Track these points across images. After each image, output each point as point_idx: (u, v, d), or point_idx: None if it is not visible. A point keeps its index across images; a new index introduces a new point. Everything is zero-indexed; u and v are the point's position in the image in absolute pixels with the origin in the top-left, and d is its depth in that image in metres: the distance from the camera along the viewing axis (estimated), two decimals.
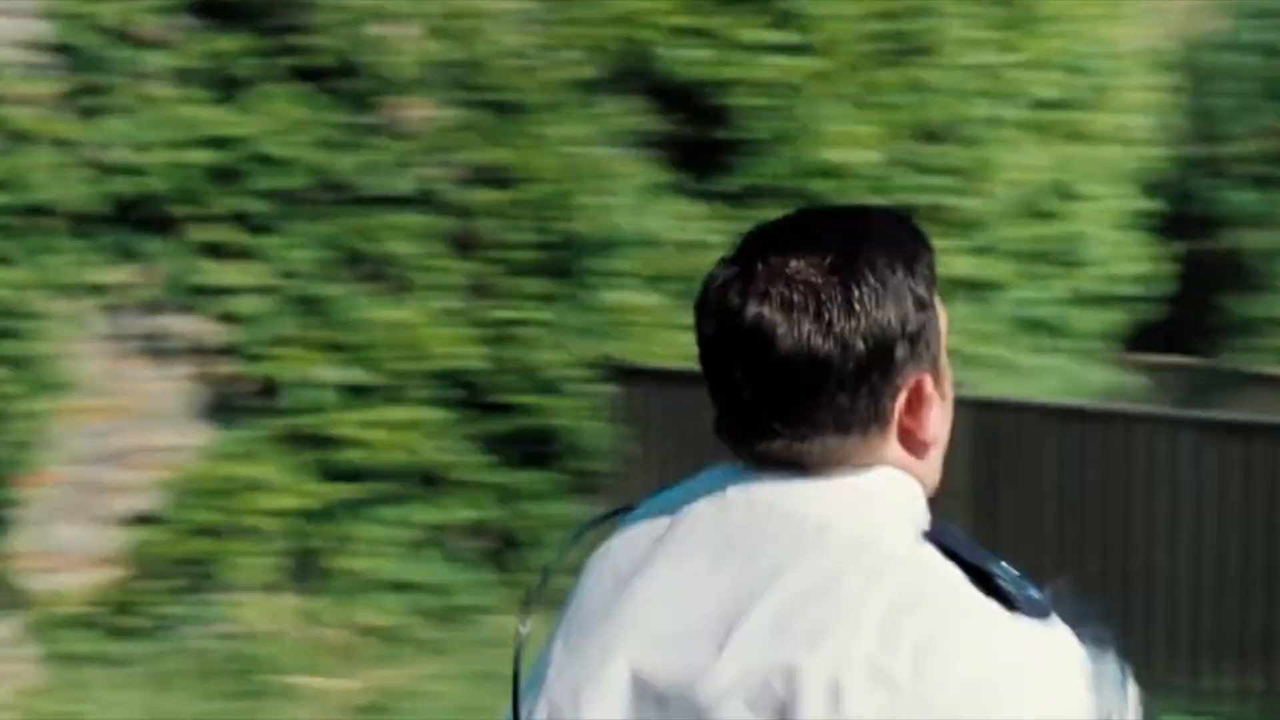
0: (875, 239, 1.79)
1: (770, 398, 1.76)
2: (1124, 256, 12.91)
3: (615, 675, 1.78)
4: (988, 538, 7.90)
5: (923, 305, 1.79)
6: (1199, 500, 8.11)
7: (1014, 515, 8.51)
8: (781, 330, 1.74)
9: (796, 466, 1.78)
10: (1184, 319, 16.78)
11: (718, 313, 1.78)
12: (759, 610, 1.72)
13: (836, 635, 1.68)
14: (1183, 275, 15.67)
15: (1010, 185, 12.22)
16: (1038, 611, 1.71)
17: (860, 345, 1.75)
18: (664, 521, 1.86)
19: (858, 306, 1.75)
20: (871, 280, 1.76)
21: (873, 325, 1.75)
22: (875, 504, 1.77)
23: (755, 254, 1.79)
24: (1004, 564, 1.74)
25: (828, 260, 1.76)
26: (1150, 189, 13.90)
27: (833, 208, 1.91)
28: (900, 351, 1.77)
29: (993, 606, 1.70)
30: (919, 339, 1.79)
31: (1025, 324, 12.53)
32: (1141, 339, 14.90)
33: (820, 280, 1.75)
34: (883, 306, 1.76)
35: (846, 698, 1.65)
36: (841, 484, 1.78)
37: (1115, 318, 13.14)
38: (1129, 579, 8.21)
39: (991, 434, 8.51)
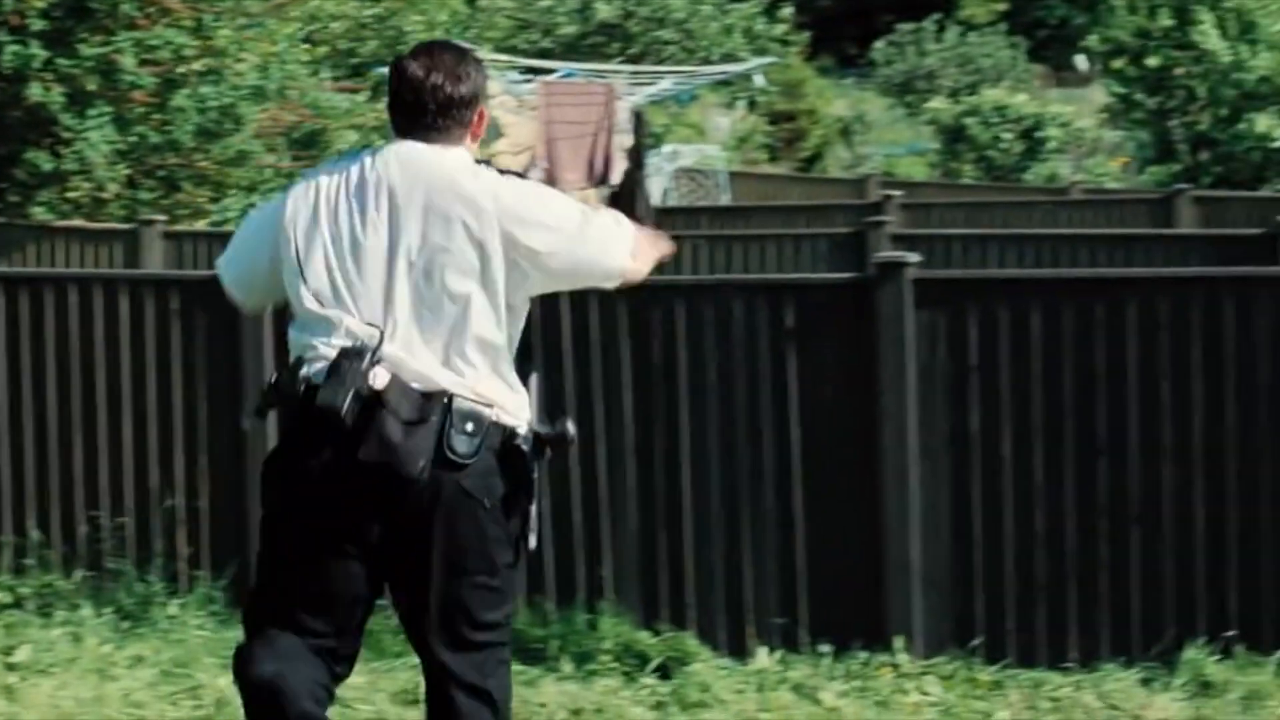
0: (468, 52, 4.64)
1: (431, 109, 4.56)
2: None
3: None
4: None
5: (486, 78, 4.69)
6: None
7: None
8: (440, 82, 4.55)
9: (437, 144, 4.58)
10: None
11: (410, 77, 4.56)
12: (438, 199, 4.54)
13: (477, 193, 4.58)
14: None
15: None
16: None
17: (468, 90, 4.59)
18: (359, 166, 4.61)
19: (470, 73, 4.60)
20: (472, 62, 4.62)
21: (474, 81, 4.60)
22: (470, 158, 4.60)
23: (420, 52, 4.62)
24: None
25: (455, 55, 4.61)
26: None
27: (448, 41, 4.85)
28: (479, 95, 4.63)
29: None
30: (484, 90, 4.66)
31: None
32: None
33: (453, 61, 4.59)
34: (477, 75, 4.62)
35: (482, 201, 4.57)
36: (459, 149, 4.60)
37: None
38: None
39: None
